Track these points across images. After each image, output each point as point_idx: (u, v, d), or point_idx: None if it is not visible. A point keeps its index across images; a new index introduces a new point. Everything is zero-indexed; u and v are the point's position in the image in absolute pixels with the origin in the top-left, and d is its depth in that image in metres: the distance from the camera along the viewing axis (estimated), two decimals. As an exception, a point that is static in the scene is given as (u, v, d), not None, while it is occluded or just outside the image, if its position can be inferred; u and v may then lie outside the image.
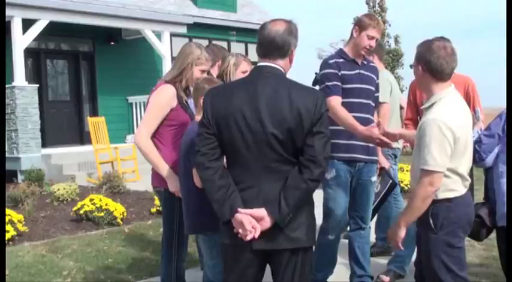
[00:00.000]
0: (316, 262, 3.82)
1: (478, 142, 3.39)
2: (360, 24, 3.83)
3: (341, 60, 3.89)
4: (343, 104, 3.74)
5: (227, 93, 2.47)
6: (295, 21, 2.54)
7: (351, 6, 22.31)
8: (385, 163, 4.18)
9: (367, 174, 3.91)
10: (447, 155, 2.65)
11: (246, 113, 2.39)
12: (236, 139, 2.41)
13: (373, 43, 3.82)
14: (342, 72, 3.83)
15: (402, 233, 2.79)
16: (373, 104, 3.95)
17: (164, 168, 3.36)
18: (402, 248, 2.89)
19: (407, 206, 2.76)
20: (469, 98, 4.18)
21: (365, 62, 3.94)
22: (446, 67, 2.76)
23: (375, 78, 3.98)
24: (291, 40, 2.48)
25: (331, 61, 3.89)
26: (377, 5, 20.31)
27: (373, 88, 3.94)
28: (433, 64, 2.74)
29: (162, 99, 3.41)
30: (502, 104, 3.56)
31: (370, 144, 3.83)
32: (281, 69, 2.50)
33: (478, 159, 3.40)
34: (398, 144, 5.30)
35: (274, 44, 2.46)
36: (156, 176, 3.47)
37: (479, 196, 3.75)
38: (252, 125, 2.38)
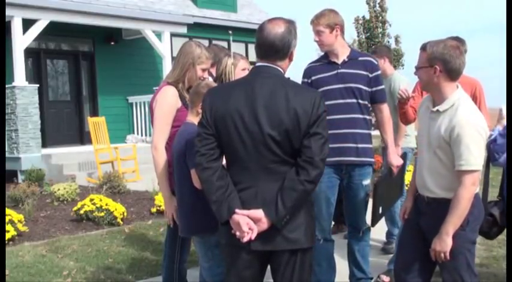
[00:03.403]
0: (313, 268, 3.78)
1: (493, 141, 3.38)
2: None
3: (318, 63, 3.89)
4: (326, 107, 3.68)
5: (225, 94, 2.46)
6: (294, 20, 2.52)
7: (351, 6, 22.31)
8: (397, 161, 3.91)
9: (358, 177, 3.81)
10: (482, 154, 2.72)
11: (244, 113, 2.38)
12: (234, 139, 2.40)
13: (317, 38, 3.78)
14: (315, 76, 3.83)
15: (451, 241, 2.72)
16: (362, 102, 3.78)
17: (167, 190, 3.37)
18: (449, 258, 2.77)
19: (453, 211, 2.69)
20: (476, 101, 4.16)
21: (346, 59, 3.80)
22: (462, 67, 2.78)
23: (366, 73, 3.80)
24: (290, 41, 2.45)
25: (306, 67, 3.94)
26: (377, 5, 20.29)
27: (358, 85, 3.76)
28: (452, 64, 2.73)
29: (168, 103, 3.41)
30: (502, 105, 3.55)
31: (359, 145, 3.77)
32: (280, 69, 2.48)
33: (492, 158, 3.39)
34: (413, 144, 5.28)
35: (274, 47, 2.43)
36: None
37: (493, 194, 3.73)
38: (249, 126, 2.37)
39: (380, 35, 20.07)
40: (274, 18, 2.51)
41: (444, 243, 2.72)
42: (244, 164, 2.42)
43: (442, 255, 2.74)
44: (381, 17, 20.17)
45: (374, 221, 3.86)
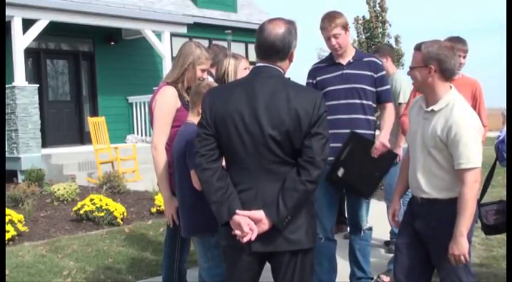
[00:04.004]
0: (314, 267, 3.78)
1: (502, 142, 3.37)
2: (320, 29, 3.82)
3: (323, 64, 3.91)
4: (329, 107, 3.66)
5: (226, 94, 2.45)
6: (294, 20, 2.51)
7: (351, 6, 22.32)
8: (383, 139, 3.75)
9: None
10: (481, 152, 2.76)
11: (244, 113, 2.37)
12: (234, 140, 2.39)
13: (334, 42, 3.75)
14: (319, 77, 3.84)
15: (467, 242, 2.71)
16: (366, 102, 3.80)
17: (167, 190, 3.37)
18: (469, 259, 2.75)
19: (463, 212, 2.69)
20: (476, 101, 4.18)
21: (351, 60, 3.83)
22: (456, 67, 2.83)
23: (371, 73, 3.82)
24: (291, 42, 2.45)
25: (311, 68, 3.95)
26: (377, 5, 20.29)
27: (363, 86, 3.79)
28: (447, 64, 2.76)
29: (168, 103, 3.41)
30: (502, 104, 3.55)
31: None
32: (280, 70, 2.48)
33: (500, 158, 3.39)
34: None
35: (275, 48, 2.43)
36: None
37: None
38: (250, 126, 2.36)
39: (380, 35, 20.05)
40: (275, 19, 2.50)
41: (461, 246, 2.70)
42: (244, 165, 2.41)
43: (462, 258, 2.71)
44: (381, 17, 20.16)
45: (330, 174, 3.69)
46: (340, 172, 3.71)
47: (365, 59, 3.88)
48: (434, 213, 2.81)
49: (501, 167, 3.48)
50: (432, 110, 2.81)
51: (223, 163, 2.52)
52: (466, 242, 2.71)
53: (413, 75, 2.84)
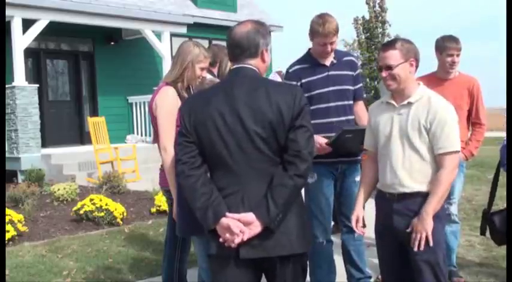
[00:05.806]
0: (314, 270, 3.77)
1: (503, 147, 3.37)
2: (310, 31, 3.71)
3: (305, 65, 3.79)
4: (317, 111, 3.64)
5: (204, 98, 2.43)
6: (264, 22, 2.51)
7: (351, 6, 22.30)
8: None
9: (350, 175, 3.82)
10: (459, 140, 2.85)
11: (225, 114, 2.33)
12: (217, 143, 2.34)
13: (328, 48, 3.67)
14: (305, 79, 3.74)
15: (432, 222, 2.74)
16: (351, 103, 3.81)
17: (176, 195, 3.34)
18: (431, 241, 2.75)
19: (434, 195, 2.74)
20: (473, 98, 4.18)
21: (334, 61, 3.79)
22: None
23: (351, 73, 3.83)
24: (257, 40, 2.43)
25: (292, 69, 3.81)
26: (377, 5, 20.31)
27: (348, 87, 3.80)
28: (419, 56, 2.87)
29: (170, 103, 3.40)
30: (502, 104, 3.56)
31: None
32: (255, 69, 2.45)
33: (501, 165, 3.38)
34: None
35: (240, 46, 2.42)
36: (165, 176, 3.46)
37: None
38: (232, 126, 2.32)
39: (380, 35, 20.09)
40: (245, 21, 2.51)
41: (425, 223, 2.73)
42: (229, 168, 2.35)
43: (424, 234, 2.73)
44: (380, 17, 20.19)
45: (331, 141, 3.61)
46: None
47: (344, 59, 3.87)
48: (413, 206, 2.81)
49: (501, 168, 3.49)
50: (409, 103, 2.84)
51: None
52: (431, 222, 2.73)
53: (395, 75, 2.81)
